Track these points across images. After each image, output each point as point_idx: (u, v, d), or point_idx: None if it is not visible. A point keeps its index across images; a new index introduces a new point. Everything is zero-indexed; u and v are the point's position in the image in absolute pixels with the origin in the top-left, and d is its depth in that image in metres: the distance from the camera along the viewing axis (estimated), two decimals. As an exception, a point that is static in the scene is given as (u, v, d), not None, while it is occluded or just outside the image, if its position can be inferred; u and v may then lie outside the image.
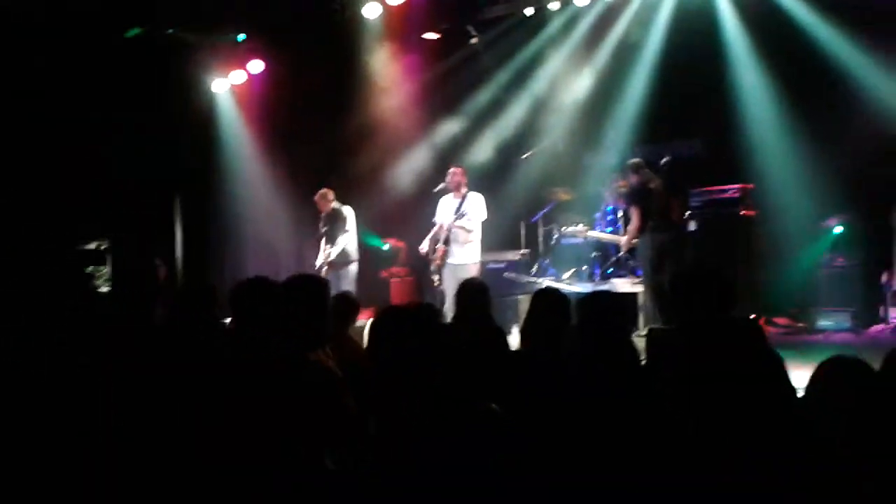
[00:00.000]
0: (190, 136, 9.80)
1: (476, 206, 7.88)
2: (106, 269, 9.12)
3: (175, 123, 9.63)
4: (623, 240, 7.94)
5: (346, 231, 8.48)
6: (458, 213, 7.84)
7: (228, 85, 10.03)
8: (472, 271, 7.80)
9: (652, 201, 7.37)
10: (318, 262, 8.60)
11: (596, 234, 8.59)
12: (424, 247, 8.08)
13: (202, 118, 9.94)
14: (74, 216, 8.91)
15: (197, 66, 9.74)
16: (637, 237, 7.51)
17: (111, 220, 9.18)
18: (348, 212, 8.60)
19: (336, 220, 8.52)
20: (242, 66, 9.90)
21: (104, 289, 8.92)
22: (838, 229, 7.96)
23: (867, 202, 7.70)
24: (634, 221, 7.49)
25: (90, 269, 9.11)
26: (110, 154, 9.12)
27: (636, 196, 7.54)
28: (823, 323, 7.68)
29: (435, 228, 8.05)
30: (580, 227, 8.72)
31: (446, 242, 7.88)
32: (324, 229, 8.64)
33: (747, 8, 8.49)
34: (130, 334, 3.78)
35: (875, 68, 7.49)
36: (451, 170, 8.04)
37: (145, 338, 3.76)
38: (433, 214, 8.24)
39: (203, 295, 3.99)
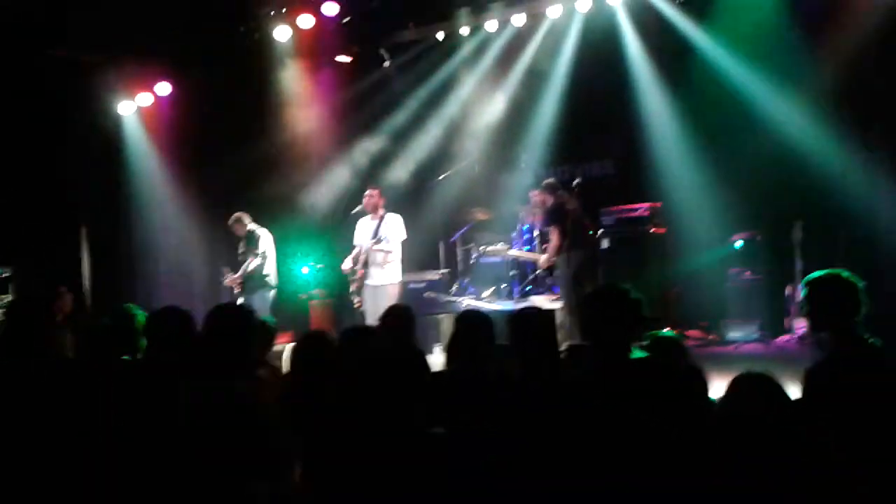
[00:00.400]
0: (96, 159, 9.50)
1: (394, 227, 7.88)
2: (7, 298, 8.72)
3: (80, 146, 9.34)
4: (542, 258, 8.03)
5: (258, 253, 8.30)
6: (377, 235, 7.81)
7: (135, 107, 9.78)
8: (393, 292, 7.78)
9: (568, 221, 7.50)
10: (226, 281, 8.44)
11: (515, 252, 8.66)
12: (346, 266, 8.00)
13: (108, 141, 9.66)
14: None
15: (102, 88, 9.46)
16: (555, 256, 7.62)
17: (14, 247, 8.81)
18: (263, 233, 8.43)
19: (250, 242, 8.36)
20: (149, 88, 9.68)
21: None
22: (738, 244, 8.25)
23: (770, 219, 8.01)
24: (553, 240, 7.60)
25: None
26: (13, 178, 8.78)
27: (554, 216, 7.65)
28: (733, 334, 7.91)
29: (354, 251, 8.00)
30: (500, 245, 8.79)
31: (365, 265, 7.82)
32: (241, 253, 8.43)
33: (649, 33, 8.80)
34: (28, 369, 3.60)
35: (773, 91, 7.83)
36: (368, 192, 8.01)
37: (45, 371, 3.58)
38: (351, 236, 8.19)
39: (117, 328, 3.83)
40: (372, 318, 7.68)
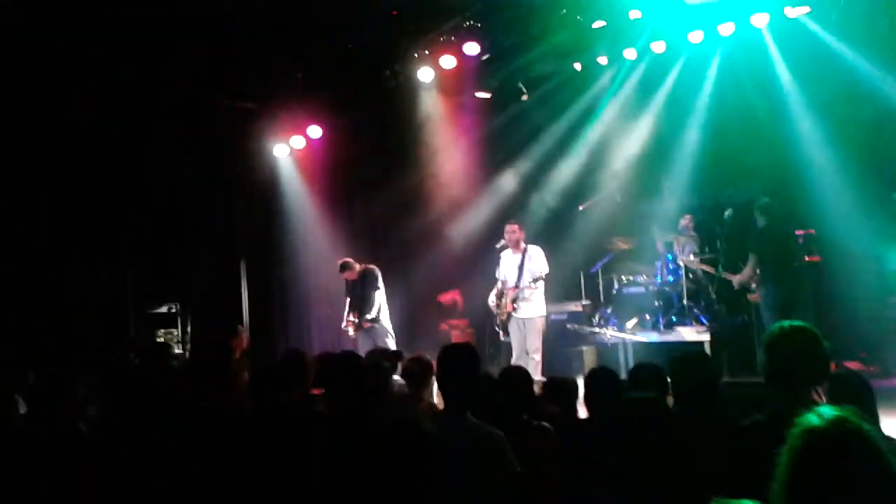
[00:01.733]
0: (254, 200, 10.13)
1: (539, 259, 7.95)
2: (177, 332, 9.43)
3: (240, 188, 9.99)
4: (736, 278, 7.68)
5: (379, 288, 8.60)
6: (521, 269, 7.89)
7: (289, 150, 10.38)
8: (540, 324, 7.85)
9: (774, 247, 7.20)
10: (345, 324, 8.74)
11: (709, 268, 8.47)
12: (492, 300, 8.11)
13: (265, 183, 10.27)
14: (144, 278, 9.26)
15: (259, 133, 10.11)
16: (747, 279, 7.40)
17: (181, 282, 9.51)
18: (376, 271, 8.73)
19: (367, 279, 8.63)
20: (302, 131, 10.26)
21: (176, 350, 9.23)
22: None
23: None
24: (748, 265, 7.35)
25: (162, 332, 9.44)
26: (180, 218, 9.50)
27: (759, 240, 7.34)
28: (896, 366, 7.50)
29: (499, 285, 8.08)
30: (692, 258, 8.66)
31: (514, 300, 7.90)
32: (358, 294, 8.71)
33: (796, 53, 8.53)
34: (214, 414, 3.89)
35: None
36: (510, 227, 8.07)
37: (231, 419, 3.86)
38: (489, 268, 8.32)
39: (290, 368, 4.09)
40: (519, 350, 7.79)
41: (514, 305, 7.83)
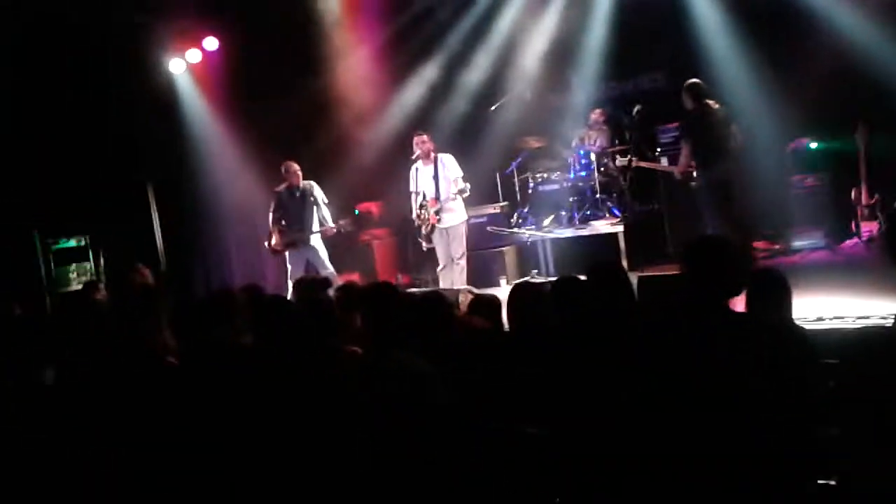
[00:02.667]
0: (153, 118, 9.70)
1: (452, 167, 7.92)
2: (90, 266, 9.14)
3: (137, 107, 9.53)
4: (675, 169, 7.47)
5: (326, 202, 8.34)
6: (437, 179, 7.84)
7: (185, 64, 9.91)
8: (462, 230, 7.92)
9: (713, 129, 7.00)
10: (275, 241, 8.28)
11: (647, 164, 8.26)
12: (414, 213, 8.03)
13: (164, 100, 9.83)
14: (47, 212, 8.87)
15: (152, 47, 9.59)
16: (687, 167, 7.21)
17: (87, 213, 9.14)
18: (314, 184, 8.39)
19: (310, 193, 8.26)
20: (197, 44, 9.78)
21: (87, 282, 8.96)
22: (812, 145, 8.14)
23: (832, 122, 7.86)
24: (684, 151, 7.21)
25: (74, 267, 9.13)
26: (76, 144, 9.05)
27: (691, 124, 7.18)
28: (798, 243, 7.89)
29: (417, 198, 7.99)
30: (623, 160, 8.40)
31: (437, 211, 7.85)
32: (296, 203, 8.26)
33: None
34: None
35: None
36: (418, 138, 7.91)
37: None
38: (405, 175, 8.21)
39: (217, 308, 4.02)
40: (445, 258, 7.86)
41: (438, 217, 7.83)
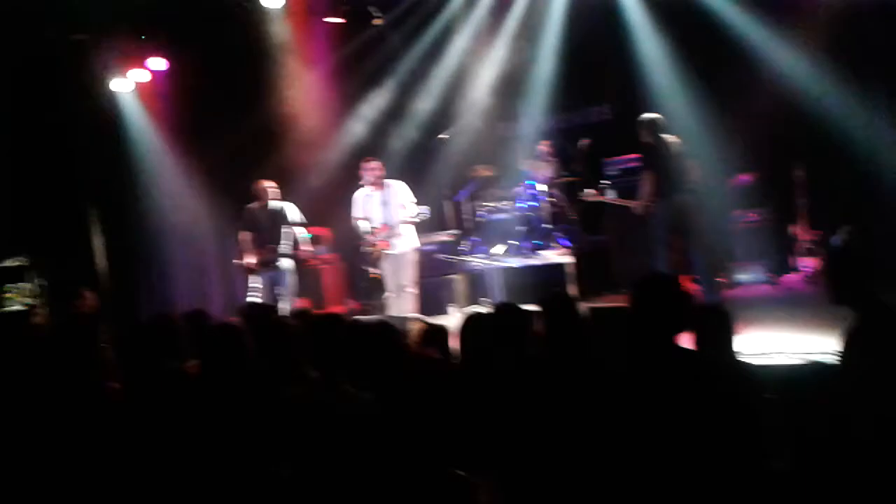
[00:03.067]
0: (96, 139, 9.51)
1: (405, 193, 7.91)
2: (27, 286, 8.88)
3: (79, 127, 9.34)
4: (636, 203, 7.35)
5: (300, 222, 8.21)
6: (387, 206, 7.80)
7: (131, 84, 9.75)
8: (412, 258, 7.89)
9: (667, 162, 7.00)
10: (256, 261, 8.05)
11: (611, 199, 8.12)
12: (370, 241, 7.91)
13: (107, 120, 9.65)
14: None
15: (95, 67, 9.43)
16: (650, 201, 7.10)
17: (25, 234, 8.91)
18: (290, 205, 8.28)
19: (281, 212, 8.13)
20: (142, 64, 9.64)
21: (27, 305, 8.72)
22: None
23: (772, 158, 8.08)
24: (646, 184, 7.09)
25: (10, 287, 8.87)
26: (16, 164, 8.82)
27: (650, 156, 7.11)
28: (741, 277, 8.07)
29: (362, 224, 7.92)
30: (592, 191, 8.26)
31: (388, 237, 7.81)
32: (266, 223, 8.11)
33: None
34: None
35: (772, 34, 7.84)
36: (372, 164, 7.85)
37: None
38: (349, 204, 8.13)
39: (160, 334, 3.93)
40: (393, 285, 7.81)
41: (389, 243, 7.80)
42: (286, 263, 8.11)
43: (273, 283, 8.07)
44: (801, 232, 7.73)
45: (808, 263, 7.61)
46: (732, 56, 8.00)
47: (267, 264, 8.05)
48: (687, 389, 2.73)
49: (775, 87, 7.76)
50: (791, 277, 7.78)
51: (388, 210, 7.80)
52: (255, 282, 8.08)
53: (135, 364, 3.82)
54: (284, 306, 7.86)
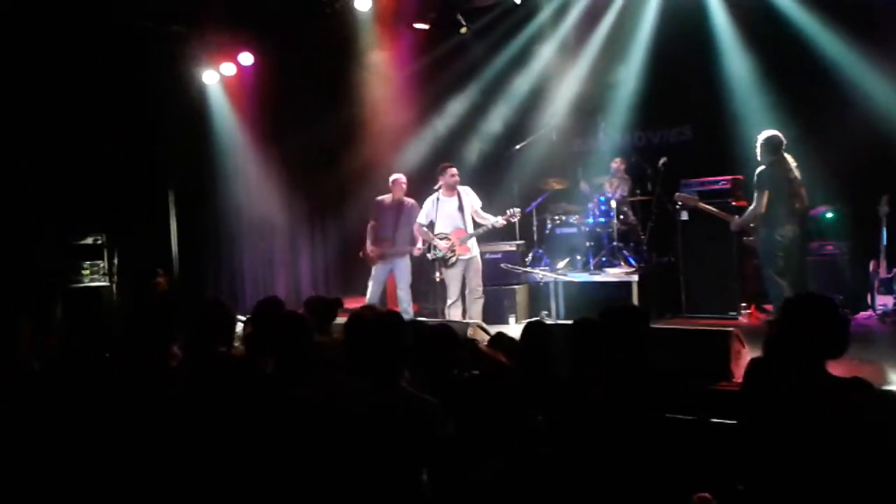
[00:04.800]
0: (181, 128, 9.79)
1: (474, 198, 7.98)
2: (103, 265, 9.19)
3: (167, 115, 9.63)
4: (735, 219, 7.21)
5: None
6: (463, 210, 7.87)
7: (219, 77, 10.02)
8: (479, 263, 7.94)
9: (785, 184, 6.68)
10: (378, 252, 8.18)
11: (705, 206, 7.68)
12: (445, 245, 7.89)
13: (193, 110, 9.93)
14: (70, 213, 8.95)
15: (187, 58, 9.72)
16: (751, 220, 6.92)
17: (106, 214, 9.22)
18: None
19: (410, 209, 8.22)
20: (233, 58, 9.90)
21: (101, 282, 9.03)
22: (828, 215, 8.13)
23: (856, 191, 7.84)
24: (756, 203, 6.78)
25: (87, 265, 9.17)
26: (103, 147, 9.14)
27: (763, 176, 6.73)
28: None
29: (440, 231, 7.94)
30: (690, 195, 7.93)
31: (464, 242, 7.87)
32: (387, 217, 8.22)
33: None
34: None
35: (864, 62, 7.62)
36: (452, 170, 7.91)
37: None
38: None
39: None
40: (457, 292, 7.85)
41: (467, 247, 7.86)
42: (404, 258, 8.26)
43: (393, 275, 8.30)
44: (879, 269, 7.47)
45: (883, 302, 7.35)
46: (822, 80, 7.81)
47: (384, 257, 8.22)
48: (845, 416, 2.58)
49: (865, 115, 7.51)
50: (864, 315, 7.52)
51: (462, 215, 7.86)
52: (373, 273, 8.25)
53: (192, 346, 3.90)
54: (403, 297, 8.14)
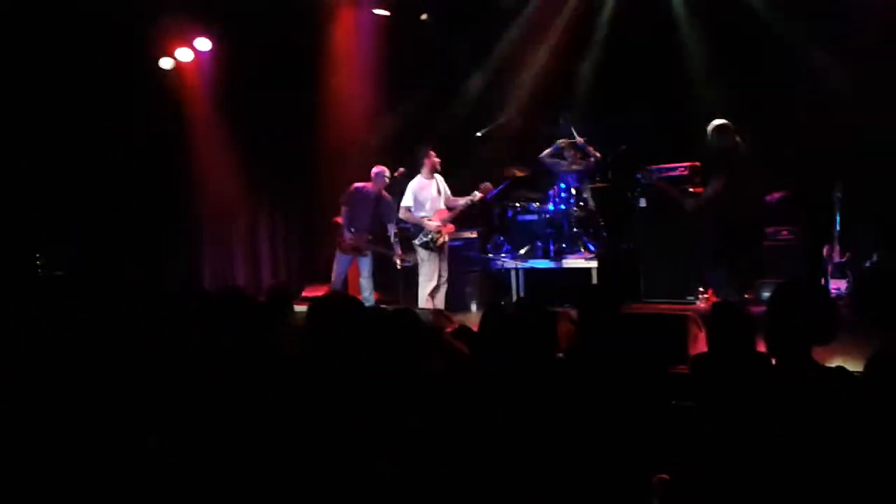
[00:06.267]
0: (138, 115, 9.62)
1: (445, 185, 8.09)
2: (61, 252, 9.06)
3: (122, 103, 9.45)
4: (691, 200, 7.13)
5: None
6: (440, 193, 7.96)
7: (174, 63, 9.86)
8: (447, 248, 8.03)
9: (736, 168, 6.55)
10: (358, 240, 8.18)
11: (666, 186, 7.61)
12: (432, 225, 7.91)
13: (151, 97, 9.75)
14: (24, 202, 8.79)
15: (143, 44, 9.54)
16: (708, 203, 6.82)
17: (62, 204, 9.07)
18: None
19: (385, 202, 8.19)
20: (189, 44, 9.74)
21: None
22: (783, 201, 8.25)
23: (810, 177, 7.97)
24: (713, 186, 6.74)
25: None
26: (55, 137, 8.97)
27: (721, 159, 6.66)
28: (768, 294, 7.92)
29: (413, 213, 7.97)
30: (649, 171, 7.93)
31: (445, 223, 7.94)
32: (368, 208, 8.17)
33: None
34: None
35: (819, 47, 7.76)
36: (433, 153, 7.99)
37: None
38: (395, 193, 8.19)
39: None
40: (435, 277, 7.89)
41: (452, 227, 7.98)
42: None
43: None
44: (833, 254, 7.63)
45: (836, 286, 7.51)
46: (778, 69, 7.92)
47: (360, 251, 8.22)
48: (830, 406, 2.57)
49: (820, 101, 7.65)
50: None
51: (441, 200, 7.96)
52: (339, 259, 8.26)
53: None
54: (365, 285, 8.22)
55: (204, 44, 9.70)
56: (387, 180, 8.17)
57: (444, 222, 7.91)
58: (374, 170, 8.19)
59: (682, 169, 8.22)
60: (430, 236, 7.85)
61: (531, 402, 3.39)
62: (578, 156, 9.11)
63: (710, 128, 6.79)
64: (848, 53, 7.57)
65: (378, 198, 8.16)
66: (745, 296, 7.02)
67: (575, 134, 8.80)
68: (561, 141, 9.05)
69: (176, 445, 3.15)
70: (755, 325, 3.36)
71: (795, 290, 2.81)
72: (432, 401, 3.36)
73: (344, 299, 3.55)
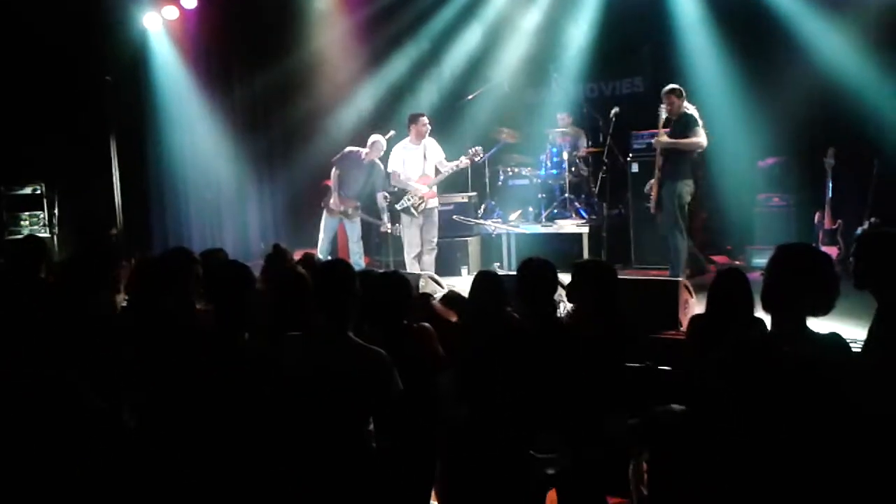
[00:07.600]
0: (123, 73, 9.44)
1: (438, 149, 7.96)
2: (43, 215, 8.93)
3: (107, 60, 9.27)
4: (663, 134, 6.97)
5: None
6: (426, 159, 7.82)
7: (161, 20, 9.66)
8: (436, 214, 7.96)
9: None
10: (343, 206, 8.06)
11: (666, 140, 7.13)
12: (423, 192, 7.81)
13: (135, 55, 9.58)
14: (7, 162, 8.64)
15: (128, 1, 9.34)
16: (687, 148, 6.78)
17: (45, 162, 8.92)
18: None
19: (381, 171, 8.05)
20: (175, 1, 9.54)
21: (42, 233, 8.76)
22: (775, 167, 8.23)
23: (802, 144, 7.94)
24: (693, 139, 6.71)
25: (26, 215, 8.92)
26: (40, 93, 8.79)
27: (692, 122, 6.71)
28: (758, 260, 7.93)
29: (401, 177, 7.86)
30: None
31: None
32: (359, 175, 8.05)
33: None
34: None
35: (812, 14, 7.65)
36: (425, 119, 7.80)
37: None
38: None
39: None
40: (419, 243, 7.81)
41: (434, 193, 7.85)
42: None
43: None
44: (824, 220, 7.60)
45: (829, 252, 7.47)
46: (772, 37, 7.85)
47: (349, 215, 8.12)
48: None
49: (813, 68, 7.57)
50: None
51: (427, 165, 7.82)
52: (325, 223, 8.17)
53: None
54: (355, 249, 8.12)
55: (189, 1, 9.49)
56: (382, 151, 8.05)
57: (430, 187, 7.80)
58: (372, 138, 8.05)
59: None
60: (411, 201, 7.77)
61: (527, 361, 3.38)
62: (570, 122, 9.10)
63: (668, 90, 6.93)
64: (847, 22, 7.50)
65: (372, 164, 8.05)
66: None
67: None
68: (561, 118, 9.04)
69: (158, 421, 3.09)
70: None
71: (799, 252, 2.72)
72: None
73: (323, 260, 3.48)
